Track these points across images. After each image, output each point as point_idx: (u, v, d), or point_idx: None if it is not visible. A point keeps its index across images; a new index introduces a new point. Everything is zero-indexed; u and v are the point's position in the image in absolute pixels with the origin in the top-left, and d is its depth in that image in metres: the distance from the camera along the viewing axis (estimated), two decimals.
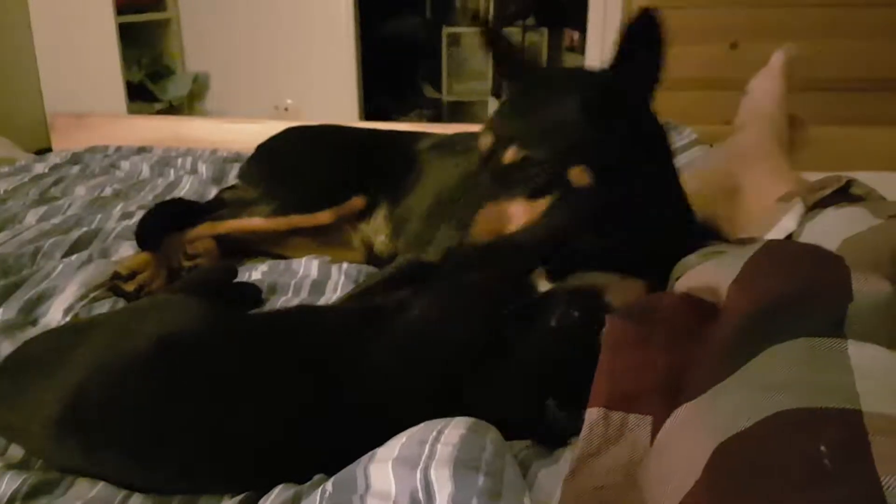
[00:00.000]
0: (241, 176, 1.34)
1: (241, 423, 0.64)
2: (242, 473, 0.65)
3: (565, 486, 0.57)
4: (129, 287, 1.04)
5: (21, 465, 0.69)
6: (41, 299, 0.99)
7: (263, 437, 0.64)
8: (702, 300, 0.68)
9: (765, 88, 1.15)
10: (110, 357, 0.67)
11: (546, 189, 0.81)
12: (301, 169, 1.28)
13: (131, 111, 3.21)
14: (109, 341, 0.69)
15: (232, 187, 1.36)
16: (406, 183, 1.21)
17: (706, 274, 0.74)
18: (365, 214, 1.24)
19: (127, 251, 1.17)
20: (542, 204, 0.82)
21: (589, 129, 0.82)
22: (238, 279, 1.07)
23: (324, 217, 1.20)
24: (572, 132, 0.82)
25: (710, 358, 0.56)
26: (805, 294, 0.55)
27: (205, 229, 1.19)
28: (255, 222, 1.19)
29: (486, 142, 0.87)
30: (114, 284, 1.04)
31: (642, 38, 0.82)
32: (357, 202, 1.22)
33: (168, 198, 1.45)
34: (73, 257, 1.12)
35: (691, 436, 0.51)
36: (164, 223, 1.18)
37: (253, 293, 1.03)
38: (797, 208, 0.89)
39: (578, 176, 0.81)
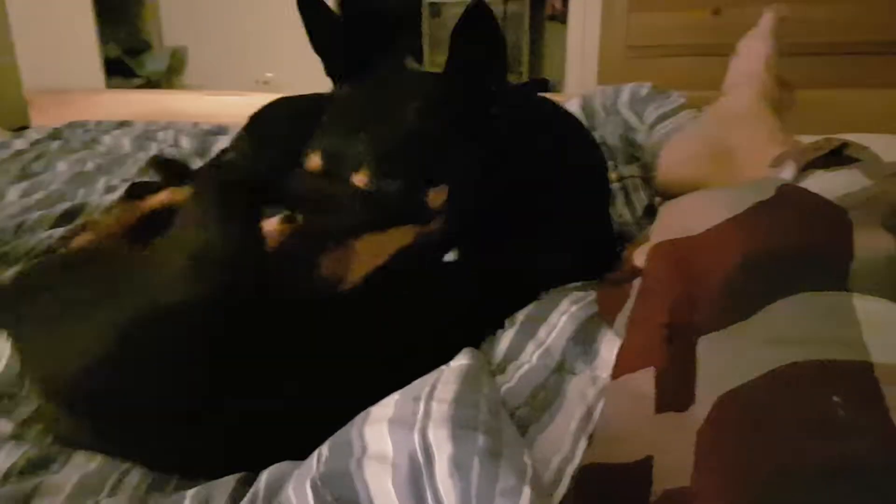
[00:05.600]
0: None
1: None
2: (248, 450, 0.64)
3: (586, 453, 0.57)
4: None
5: (14, 438, 0.68)
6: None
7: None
8: (679, 242, 0.68)
9: (754, 50, 1.14)
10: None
11: (403, 217, 0.74)
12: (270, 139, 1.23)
13: (110, 87, 3.15)
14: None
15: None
16: None
17: (687, 207, 0.74)
18: None
19: None
20: (400, 234, 0.74)
21: (439, 144, 0.74)
22: None
23: None
24: (422, 152, 0.73)
25: (709, 300, 0.56)
26: (809, 246, 0.55)
27: (166, 197, 1.11)
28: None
29: (317, 163, 0.74)
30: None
31: (474, 34, 0.73)
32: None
33: (151, 171, 1.42)
34: (61, 230, 1.10)
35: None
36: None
37: None
38: (790, 170, 0.88)
39: (436, 197, 0.74)
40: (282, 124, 1.25)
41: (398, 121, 0.73)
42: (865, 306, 0.47)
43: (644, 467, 0.51)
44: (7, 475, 0.63)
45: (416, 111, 0.74)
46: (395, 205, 0.72)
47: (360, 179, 0.71)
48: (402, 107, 0.74)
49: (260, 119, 1.30)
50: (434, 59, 4.46)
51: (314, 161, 0.74)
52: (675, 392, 0.53)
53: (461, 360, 0.67)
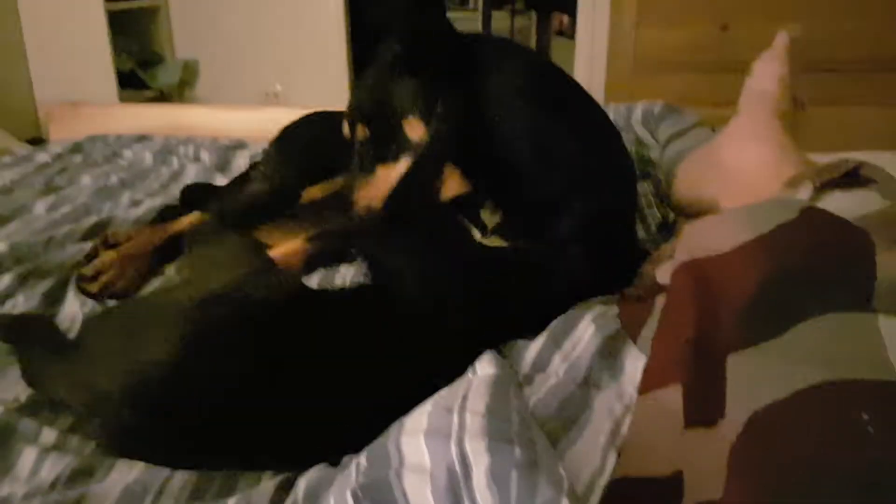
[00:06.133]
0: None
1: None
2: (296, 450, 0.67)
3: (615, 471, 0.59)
4: (93, 288, 1.03)
5: (56, 448, 0.70)
6: (59, 287, 1.00)
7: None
8: (703, 262, 0.70)
9: (768, 70, 1.16)
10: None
11: (396, 151, 0.88)
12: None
13: (122, 99, 3.19)
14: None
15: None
16: None
17: (710, 226, 0.76)
18: None
19: None
20: (402, 164, 0.88)
21: (401, 79, 0.88)
22: None
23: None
24: (387, 89, 0.89)
25: (736, 319, 0.58)
26: (833, 267, 0.57)
27: (196, 218, 1.19)
28: None
29: (346, 130, 0.95)
30: (79, 285, 1.03)
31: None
32: None
33: (174, 185, 1.45)
34: (89, 244, 1.12)
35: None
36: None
37: None
38: (806, 190, 0.90)
39: (412, 129, 0.87)
40: (310, 139, 1.28)
41: (376, 71, 0.93)
42: (890, 326, 0.49)
43: (675, 481, 0.53)
44: (53, 485, 0.65)
45: (385, 59, 0.92)
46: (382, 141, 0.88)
47: (360, 130, 0.91)
48: (380, 60, 0.93)
49: (289, 133, 1.32)
50: None
51: (345, 129, 0.94)
52: (703, 408, 0.55)
53: (488, 370, 0.69)
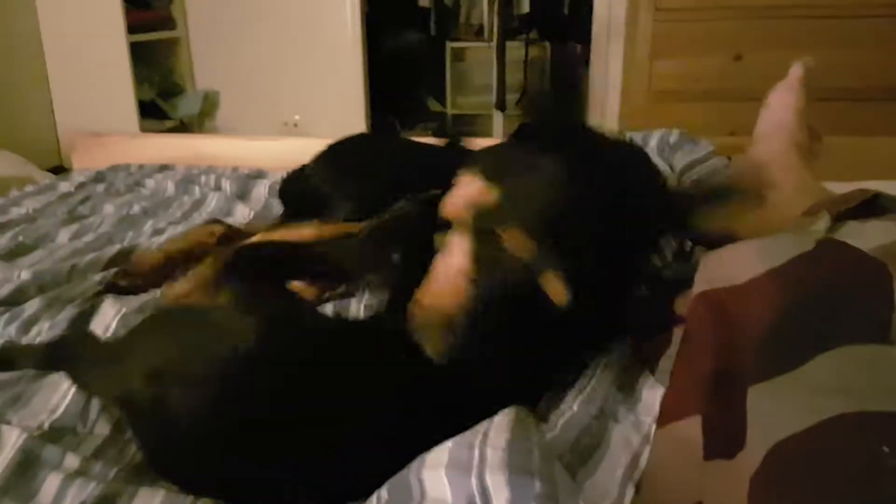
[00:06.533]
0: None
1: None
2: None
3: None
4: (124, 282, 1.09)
5: (80, 474, 0.71)
6: (83, 315, 1.01)
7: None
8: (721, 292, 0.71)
9: (784, 101, 1.17)
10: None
11: None
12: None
13: (143, 129, 3.25)
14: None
15: None
16: None
17: (728, 257, 0.76)
18: None
19: None
20: None
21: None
22: None
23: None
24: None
25: (754, 350, 0.58)
26: (850, 298, 0.57)
27: (257, 241, 1.20)
28: (303, 234, 1.21)
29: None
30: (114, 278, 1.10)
31: None
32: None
33: (195, 214, 1.47)
34: (111, 272, 1.14)
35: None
36: None
37: None
38: (823, 220, 0.91)
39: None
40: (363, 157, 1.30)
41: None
42: None
43: None
44: None
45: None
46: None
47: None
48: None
49: (339, 149, 1.34)
50: (456, 101, 4.54)
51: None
52: (723, 440, 0.56)
53: (508, 411, 0.69)
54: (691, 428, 0.60)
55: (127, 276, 1.14)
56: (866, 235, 0.82)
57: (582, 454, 0.68)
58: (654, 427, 0.68)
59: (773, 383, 0.53)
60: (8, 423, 0.78)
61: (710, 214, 1.07)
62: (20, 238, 1.34)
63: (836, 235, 0.87)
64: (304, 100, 3.55)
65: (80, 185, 1.71)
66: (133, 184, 1.72)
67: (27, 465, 0.71)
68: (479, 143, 1.00)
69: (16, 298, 1.07)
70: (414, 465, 0.60)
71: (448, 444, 0.60)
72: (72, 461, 0.73)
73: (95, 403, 0.81)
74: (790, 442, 0.47)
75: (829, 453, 0.45)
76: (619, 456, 0.67)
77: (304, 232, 1.05)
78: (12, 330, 0.97)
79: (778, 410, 0.51)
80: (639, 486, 0.62)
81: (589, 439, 0.70)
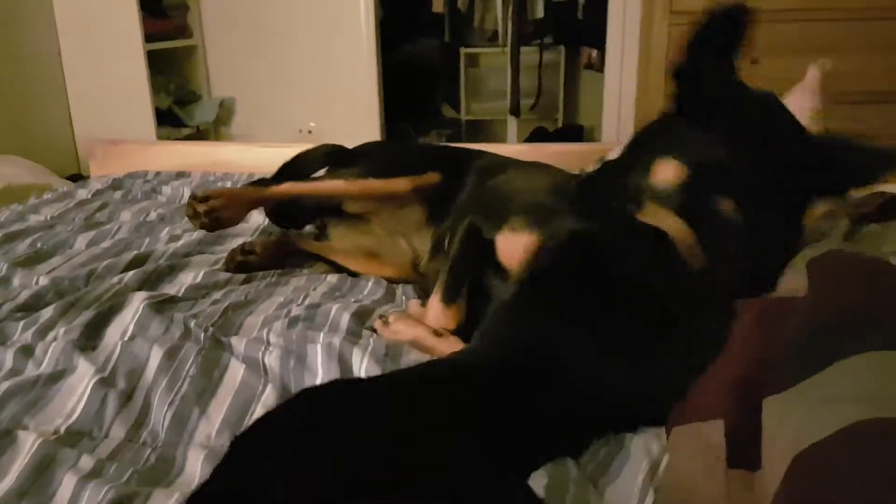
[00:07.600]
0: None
1: None
2: None
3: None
4: (200, 208, 1.19)
5: (95, 476, 0.71)
6: (100, 320, 1.02)
7: None
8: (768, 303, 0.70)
9: (801, 104, 1.16)
10: None
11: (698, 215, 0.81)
12: (385, 154, 1.41)
13: (159, 136, 3.27)
14: None
15: None
16: (455, 202, 1.23)
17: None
18: (428, 222, 1.27)
19: (180, 274, 1.20)
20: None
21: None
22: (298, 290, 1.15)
23: (400, 184, 1.25)
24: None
25: (777, 360, 0.58)
26: (868, 306, 0.56)
27: (287, 188, 1.30)
28: (334, 185, 1.29)
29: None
30: (189, 203, 1.21)
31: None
32: (433, 177, 1.26)
33: None
34: (127, 277, 1.15)
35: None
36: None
37: None
38: (842, 224, 0.90)
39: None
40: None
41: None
42: None
43: None
44: None
45: None
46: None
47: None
48: None
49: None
50: (470, 107, 4.53)
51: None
52: (746, 451, 0.55)
53: None
54: (713, 432, 0.59)
55: (246, 254, 1.24)
56: (885, 238, 0.81)
57: (603, 462, 0.68)
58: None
59: (791, 392, 0.53)
60: (25, 427, 0.79)
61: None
62: (39, 245, 1.35)
63: (855, 238, 0.86)
64: (319, 107, 3.56)
65: (98, 193, 1.72)
66: (150, 191, 1.73)
67: (43, 468, 0.72)
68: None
69: (34, 304, 1.08)
70: None
71: None
72: (87, 464, 0.73)
73: (111, 407, 0.82)
74: (812, 451, 0.46)
75: (850, 461, 0.44)
76: (639, 463, 0.66)
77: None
78: (29, 335, 0.98)
79: (798, 420, 0.50)
80: (658, 490, 0.62)
81: (608, 447, 0.69)
